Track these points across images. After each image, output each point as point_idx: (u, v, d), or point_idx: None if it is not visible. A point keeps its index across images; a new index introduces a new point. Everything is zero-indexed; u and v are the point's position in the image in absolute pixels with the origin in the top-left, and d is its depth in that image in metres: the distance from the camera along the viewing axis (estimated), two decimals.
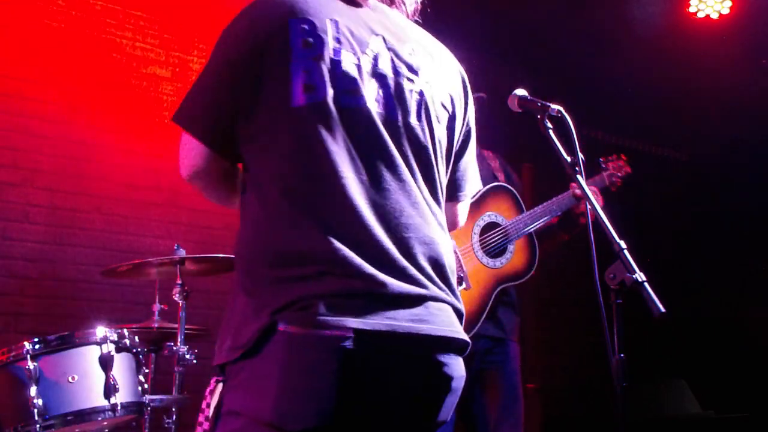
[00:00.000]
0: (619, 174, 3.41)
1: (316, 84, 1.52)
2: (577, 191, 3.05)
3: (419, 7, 1.83)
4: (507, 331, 3.07)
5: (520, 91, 2.10)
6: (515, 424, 3.00)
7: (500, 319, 3.05)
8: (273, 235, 1.49)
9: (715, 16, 5.29)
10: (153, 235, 4.55)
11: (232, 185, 1.69)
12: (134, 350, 3.03)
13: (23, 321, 4.11)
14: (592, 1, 5.13)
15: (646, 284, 1.66)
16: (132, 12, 4.75)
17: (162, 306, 3.57)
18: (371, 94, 1.57)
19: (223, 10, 4.39)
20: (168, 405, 3.26)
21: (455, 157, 1.80)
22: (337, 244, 1.44)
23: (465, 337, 1.60)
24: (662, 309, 1.60)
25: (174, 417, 3.30)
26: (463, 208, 1.95)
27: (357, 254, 1.44)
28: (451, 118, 1.73)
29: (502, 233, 3.07)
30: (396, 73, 1.62)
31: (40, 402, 2.69)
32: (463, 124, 1.81)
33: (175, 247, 3.47)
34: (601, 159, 3.44)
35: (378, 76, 1.59)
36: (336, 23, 1.58)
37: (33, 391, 2.69)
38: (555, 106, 1.98)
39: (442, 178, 1.70)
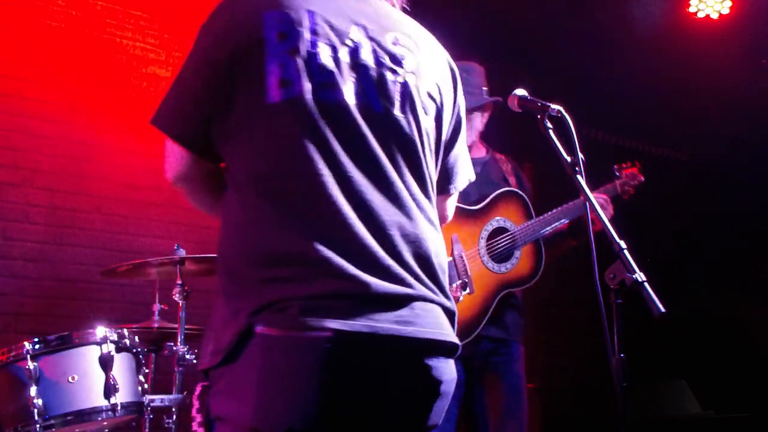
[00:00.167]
0: (632, 182, 3.37)
1: (291, 78, 1.46)
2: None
3: None
4: (511, 333, 3.07)
5: (520, 91, 2.10)
6: (518, 426, 2.99)
7: (505, 321, 3.05)
8: (251, 236, 1.45)
9: (715, 16, 5.29)
10: (153, 235, 4.55)
11: (219, 191, 1.62)
12: (134, 350, 3.03)
13: (23, 321, 4.11)
14: (592, 1, 5.13)
15: (646, 284, 1.66)
16: (132, 12, 4.75)
17: (162, 306, 3.57)
18: (351, 87, 1.51)
19: None
20: (168, 405, 3.26)
21: (445, 149, 1.73)
22: (317, 245, 1.39)
23: (454, 339, 1.54)
24: (662, 309, 1.60)
25: (174, 417, 3.30)
26: (452, 202, 1.89)
27: (338, 254, 1.39)
28: (439, 109, 1.66)
29: (509, 239, 3.06)
30: (378, 63, 1.56)
31: (40, 402, 2.68)
32: (452, 115, 1.74)
33: (175, 247, 3.47)
34: (614, 166, 3.39)
35: (358, 67, 1.53)
36: (312, 14, 1.52)
37: (33, 391, 2.69)
38: (555, 106, 1.98)
39: (432, 171, 1.64)
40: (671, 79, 5.67)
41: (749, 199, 6.04)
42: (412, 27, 1.70)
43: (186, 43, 4.91)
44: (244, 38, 1.49)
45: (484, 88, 3.19)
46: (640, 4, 5.16)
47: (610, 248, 1.77)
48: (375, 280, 1.41)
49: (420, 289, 1.48)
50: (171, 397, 3.27)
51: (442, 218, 1.84)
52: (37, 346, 2.77)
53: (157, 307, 3.56)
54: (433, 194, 1.63)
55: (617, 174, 3.39)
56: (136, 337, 3.09)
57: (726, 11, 5.26)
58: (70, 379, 2.77)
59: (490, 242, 3.05)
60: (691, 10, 5.30)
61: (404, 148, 1.55)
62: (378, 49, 1.57)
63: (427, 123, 1.62)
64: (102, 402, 2.79)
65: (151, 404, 3.06)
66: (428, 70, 1.65)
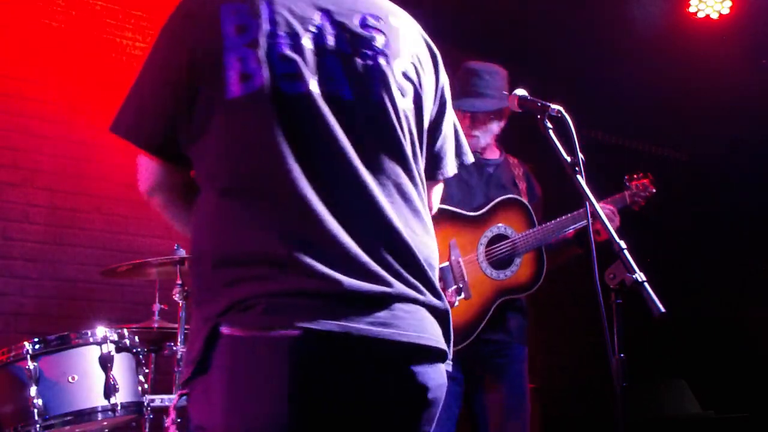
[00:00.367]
0: (643, 193, 3.29)
1: (252, 72, 1.38)
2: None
3: None
4: (514, 336, 3.06)
5: (520, 91, 2.09)
6: (521, 427, 2.99)
7: (508, 325, 3.04)
8: (219, 237, 1.38)
9: (715, 16, 5.29)
10: (153, 235, 4.54)
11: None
12: (134, 350, 3.03)
13: (23, 321, 4.11)
14: (592, 1, 5.13)
15: (646, 284, 1.65)
16: (132, 12, 4.75)
17: (162, 306, 3.57)
18: (316, 76, 1.42)
19: None
20: (168, 405, 3.26)
21: (430, 131, 1.63)
22: (286, 242, 1.31)
23: (439, 344, 1.44)
24: (662, 309, 1.59)
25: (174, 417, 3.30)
26: (438, 190, 1.76)
27: (308, 251, 1.31)
28: (418, 90, 1.56)
29: (509, 246, 3.04)
30: (345, 48, 1.47)
31: (40, 402, 2.68)
32: (435, 96, 1.64)
33: (175, 247, 3.47)
34: (625, 176, 3.32)
35: (324, 54, 1.45)
36: (271, 3, 1.45)
37: (33, 391, 2.69)
38: (555, 106, 1.97)
39: (416, 156, 1.54)
40: (671, 79, 5.67)
41: (749, 199, 6.04)
42: (382, 6, 1.59)
43: None
44: (202, 35, 1.43)
45: (505, 93, 3.17)
46: (640, 4, 5.16)
47: (610, 248, 1.77)
48: (348, 278, 1.31)
49: (400, 288, 1.38)
50: (171, 397, 3.27)
51: (428, 208, 1.70)
52: (37, 346, 2.77)
53: (157, 307, 3.56)
54: (420, 180, 1.54)
55: (627, 184, 3.31)
56: (136, 337, 3.09)
57: (726, 11, 5.26)
58: (70, 379, 2.77)
59: (489, 249, 3.03)
60: (691, 10, 5.30)
61: (381, 134, 1.47)
62: (345, 33, 1.49)
63: (405, 105, 1.52)
64: (102, 402, 2.79)
65: (151, 404, 3.06)
66: (402, 49, 1.55)
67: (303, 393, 1.28)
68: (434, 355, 1.43)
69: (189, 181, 1.52)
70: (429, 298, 1.44)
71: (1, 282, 4.10)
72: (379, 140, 1.46)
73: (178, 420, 3.23)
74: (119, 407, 2.81)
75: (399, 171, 1.47)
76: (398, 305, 1.37)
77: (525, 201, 3.15)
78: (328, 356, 1.30)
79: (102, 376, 2.83)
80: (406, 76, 1.54)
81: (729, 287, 6.35)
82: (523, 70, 3.22)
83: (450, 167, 1.73)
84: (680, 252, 6.43)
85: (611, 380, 1.72)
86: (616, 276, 1.72)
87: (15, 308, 4.11)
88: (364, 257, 1.35)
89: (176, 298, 3.45)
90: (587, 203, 1.88)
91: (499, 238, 3.06)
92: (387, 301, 1.36)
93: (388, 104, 1.48)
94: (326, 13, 1.49)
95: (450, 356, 1.50)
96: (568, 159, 1.89)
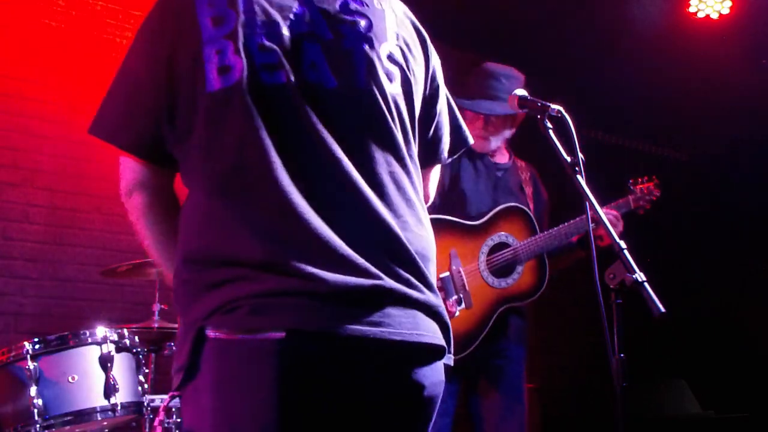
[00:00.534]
0: (647, 197, 3.28)
1: (230, 64, 1.34)
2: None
3: None
4: (513, 337, 3.06)
5: (520, 91, 2.09)
6: (517, 426, 2.99)
7: (507, 329, 3.04)
8: (200, 238, 1.34)
9: (715, 16, 5.29)
10: None
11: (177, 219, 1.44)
12: (134, 350, 3.03)
13: (23, 321, 4.11)
14: (592, 1, 5.12)
15: (646, 284, 1.65)
16: (132, 12, 4.74)
17: (162, 306, 3.57)
18: (297, 65, 1.37)
19: None
20: (168, 405, 3.26)
21: (423, 116, 1.57)
22: (267, 242, 1.27)
23: (435, 340, 1.39)
24: (662, 309, 1.59)
25: (174, 417, 3.30)
26: (435, 176, 1.71)
27: (289, 250, 1.27)
28: (406, 74, 1.50)
29: (511, 254, 3.03)
30: (326, 34, 1.41)
31: (40, 402, 2.69)
32: (425, 78, 1.58)
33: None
34: (630, 180, 3.32)
35: (304, 41, 1.39)
36: None
37: (33, 391, 2.69)
38: (555, 106, 1.97)
39: (409, 143, 1.48)
40: (671, 79, 5.67)
41: (749, 199, 6.04)
42: None
43: None
44: (180, 29, 1.38)
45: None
46: (640, 4, 5.15)
47: (610, 248, 1.76)
48: (332, 275, 1.26)
49: (389, 282, 1.32)
50: None
51: (425, 196, 1.64)
52: (37, 346, 2.77)
53: (157, 307, 3.56)
54: (413, 168, 1.48)
55: (632, 188, 3.30)
56: (136, 337, 3.09)
57: (726, 11, 5.25)
58: (70, 379, 2.77)
59: (490, 257, 3.02)
60: (691, 10, 5.29)
61: (369, 122, 1.41)
62: (325, 19, 1.43)
63: (393, 90, 1.46)
64: (102, 402, 2.79)
65: (151, 404, 3.06)
66: (388, 32, 1.49)
67: (291, 398, 1.24)
68: (430, 352, 1.39)
69: (171, 192, 1.49)
70: (421, 292, 1.38)
71: (1, 282, 4.10)
72: (367, 129, 1.41)
73: (167, 421, 3.23)
74: (119, 407, 2.81)
75: (390, 159, 1.42)
76: (389, 301, 1.32)
77: (527, 209, 3.14)
78: (316, 358, 1.26)
79: (102, 376, 2.83)
80: (392, 59, 1.48)
81: (729, 287, 6.35)
82: (523, 70, 3.22)
83: (446, 152, 1.68)
84: (680, 252, 6.43)
85: (611, 380, 1.71)
86: (616, 276, 1.71)
87: (15, 308, 4.11)
88: (349, 252, 1.30)
89: None
90: (587, 203, 1.88)
91: (501, 246, 3.05)
92: (377, 297, 1.31)
93: (375, 91, 1.42)
94: None
95: (450, 350, 1.46)
96: (568, 159, 1.89)
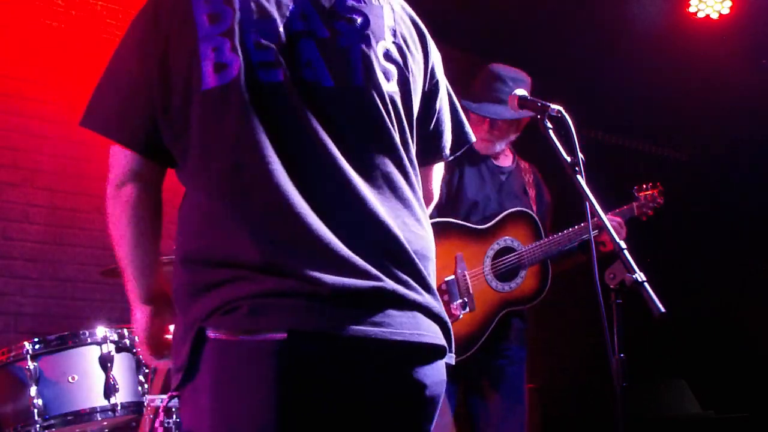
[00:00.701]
0: (651, 204, 3.29)
1: (227, 62, 1.32)
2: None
3: None
4: (513, 338, 3.06)
5: (520, 91, 2.09)
6: (517, 426, 2.99)
7: (508, 331, 3.04)
8: (199, 238, 1.35)
9: (715, 16, 5.29)
10: None
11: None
12: (134, 350, 3.03)
13: (23, 321, 4.11)
14: (592, 1, 5.12)
15: (646, 284, 1.65)
16: (132, 12, 4.72)
17: None
18: (294, 63, 1.36)
19: None
20: (168, 405, 3.26)
21: (422, 113, 1.55)
22: (265, 242, 1.27)
23: (436, 340, 1.38)
24: (662, 309, 1.59)
25: (174, 417, 3.29)
26: (437, 173, 1.70)
27: (287, 251, 1.26)
28: (404, 71, 1.48)
29: (515, 258, 3.04)
30: (323, 32, 1.40)
31: (40, 402, 2.68)
32: (424, 75, 1.56)
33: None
34: (635, 187, 3.32)
35: (300, 39, 1.38)
36: None
37: (33, 391, 2.69)
38: (555, 106, 1.96)
39: (406, 142, 1.46)
40: (671, 79, 5.67)
41: (749, 199, 6.04)
42: None
43: None
44: (175, 25, 1.37)
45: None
46: (640, 3, 5.15)
47: (612, 251, 1.76)
48: (331, 276, 1.26)
49: (390, 283, 1.31)
50: None
51: (428, 193, 1.65)
52: (37, 346, 2.77)
53: None
54: (411, 168, 1.46)
55: (636, 195, 3.30)
56: (136, 337, 3.09)
57: (726, 11, 5.25)
58: (70, 379, 2.77)
59: (495, 261, 3.03)
60: (691, 10, 5.29)
61: (366, 122, 1.40)
62: (322, 16, 1.41)
63: (391, 88, 1.44)
64: (102, 402, 2.79)
65: (151, 404, 3.06)
66: (385, 29, 1.48)
67: (290, 399, 1.24)
68: (432, 352, 1.38)
69: (160, 190, 1.48)
70: (419, 294, 1.37)
71: (1, 282, 4.10)
72: (364, 128, 1.40)
73: (168, 421, 3.23)
74: (119, 407, 2.81)
75: (386, 160, 1.41)
76: (389, 301, 1.31)
77: (533, 213, 3.14)
78: (316, 358, 1.25)
79: (102, 376, 2.83)
80: (389, 57, 1.46)
81: (729, 287, 6.35)
82: (523, 70, 3.22)
83: (447, 149, 1.65)
84: (680, 252, 6.42)
85: (611, 380, 1.71)
86: (616, 276, 1.71)
87: (15, 308, 4.10)
88: (349, 254, 1.29)
89: None
90: (587, 203, 1.88)
91: (506, 250, 3.06)
92: (376, 298, 1.30)
93: (372, 89, 1.41)
94: None
95: (451, 350, 1.45)
96: (568, 159, 1.89)
